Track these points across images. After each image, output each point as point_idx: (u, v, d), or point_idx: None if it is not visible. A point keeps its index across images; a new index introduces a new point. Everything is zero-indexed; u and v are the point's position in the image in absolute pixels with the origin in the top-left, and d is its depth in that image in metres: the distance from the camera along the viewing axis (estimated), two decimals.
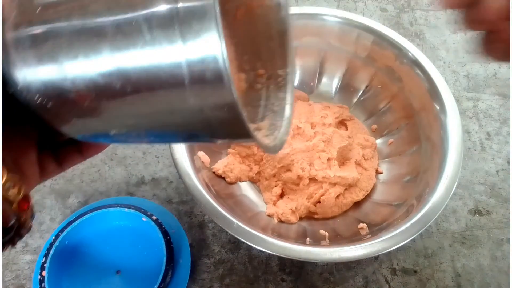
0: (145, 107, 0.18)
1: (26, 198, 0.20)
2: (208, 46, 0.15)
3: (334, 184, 0.44)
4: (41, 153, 0.24)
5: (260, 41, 0.26)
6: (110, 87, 0.17)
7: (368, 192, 0.46)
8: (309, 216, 0.45)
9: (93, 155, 0.26)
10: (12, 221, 0.20)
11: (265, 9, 0.25)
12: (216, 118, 0.17)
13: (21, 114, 0.21)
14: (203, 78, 0.16)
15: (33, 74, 0.18)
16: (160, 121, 0.19)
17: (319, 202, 0.44)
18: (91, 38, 0.17)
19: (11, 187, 0.19)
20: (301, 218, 0.44)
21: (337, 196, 0.44)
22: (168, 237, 0.40)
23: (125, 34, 0.16)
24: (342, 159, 0.46)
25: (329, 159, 0.44)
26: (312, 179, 0.44)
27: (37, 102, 0.19)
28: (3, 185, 0.19)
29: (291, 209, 0.43)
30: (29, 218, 0.21)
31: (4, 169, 0.19)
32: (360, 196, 0.45)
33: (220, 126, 0.18)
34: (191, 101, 0.17)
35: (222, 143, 0.21)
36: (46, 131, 0.24)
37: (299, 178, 0.43)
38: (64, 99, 0.18)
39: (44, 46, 0.18)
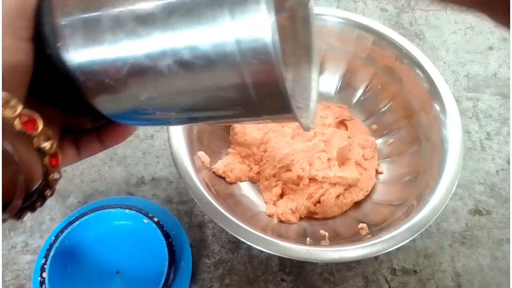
0: (190, 84, 0.18)
1: (56, 155, 0.20)
2: (258, 23, 0.16)
3: (334, 184, 0.44)
4: (62, 138, 0.24)
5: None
6: (159, 65, 0.18)
7: (368, 192, 0.46)
8: (309, 216, 0.45)
9: (113, 144, 0.26)
10: (39, 182, 0.20)
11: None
12: (260, 94, 0.18)
13: (52, 95, 0.21)
14: (252, 54, 0.16)
15: (83, 54, 0.19)
16: (202, 99, 0.19)
17: (319, 202, 0.44)
18: (142, 18, 0.17)
19: (46, 139, 0.19)
20: (301, 218, 0.44)
21: (337, 196, 0.44)
22: (170, 240, 0.40)
23: (173, 13, 0.17)
24: (342, 159, 0.46)
25: (329, 159, 0.44)
26: (312, 179, 0.44)
27: (86, 80, 0.19)
28: (39, 134, 0.18)
29: (291, 209, 0.43)
30: (56, 179, 0.21)
31: (40, 118, 0.18)
32: (360, 196, 0.45)
33: (262, 102, 0.18)
34: (236, 77, 0.17)
35: (250, 121, 0.21)
36: (70, 117, 0.24)
37: (299, 178, 0.43)
38: (113, 78, 0.19)
39: (95, 24, 0.18)
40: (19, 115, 0.17)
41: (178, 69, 0.18)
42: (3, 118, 0.17)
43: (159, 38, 0.17)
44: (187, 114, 0.21)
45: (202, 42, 0.17)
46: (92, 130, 0.25)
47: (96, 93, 0.20)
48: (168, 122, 0.22)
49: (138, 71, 0.18)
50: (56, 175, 0.21)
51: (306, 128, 0.22)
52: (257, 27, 0.16)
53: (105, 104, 0.21)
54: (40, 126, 0.18)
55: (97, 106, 0.21)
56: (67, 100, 0.21)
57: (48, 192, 0.21)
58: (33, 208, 0.21)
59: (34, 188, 0.20)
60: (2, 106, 0.17)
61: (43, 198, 0.21)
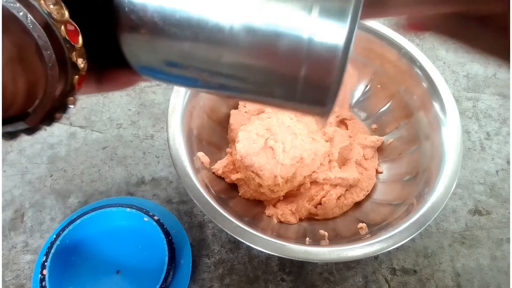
0: (244, 51, 0.18)
1: (84, 78, 0.19)
2: (340, 31, 0.16)
3: (335, 186, 0.44)
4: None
5: None
6: (223, 21, 0.17)
7: (369, 192, 0.46)
8: (309, 217, 0.45)
9: (109, 90, 0.25)
10: (57, 100, 0.19)
11: None
12: (309, 85, 0.18)
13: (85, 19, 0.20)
14: (320, 56, 0.17)
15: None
16: (246, 69, 0.19)
17: (320, 203, 0.44)
18: None
19: (82, 57, 0.18)
20: (301, 219, 0.44)
21: (338, 197, 0.44)
22: (170, 238, 0.40)
23: None
24: (343, 159, 0.46)
25: (330, 161, 0.44)
26: (313, 182, 0.44)
27: (130, 12, 0.18)
28: (79, 49, 0.18)
29: (290, 210, 0.43)
30: (73, 103, 0.20)
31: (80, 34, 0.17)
32: (360, 196, 0.45)
33: (305, 92, 0.18)
34: (295, 61, 0.17)
35: (277, 104, 0.21)
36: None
37: (301, 183, 0.43)
38: (164, 20, 0.18)
39: None
40: (65, 22, 0.17)
41: (241, 32, 0.17)
42: (52, 18, 0.16)
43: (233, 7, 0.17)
44: (220, 80, 0.20)
45: (279, 17, 0.17)
46: (92, 71, 0.24)
47: (133, 29, 0.19)
48: (191, 83, 0.21)
49: (196, 21, 0.18)
50: (72, 101, 0.20)
51: (324, 122, 0.22)
52: (336, 32, 0.16)
53: (134, 44, 0.19)
54: (81, 41, 0.18)
55: (123, 45, 0.20)
56: (96, 30, 0.20)
57: (59, 115, 0.20)
58: (40, 126, 0.20)
59: (51, 105, 0.19)
60: (53, 4, 0.16)
61: (51, 119, 0.20)
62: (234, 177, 0.44)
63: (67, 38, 0.17)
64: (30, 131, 0.20)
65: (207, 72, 0.20)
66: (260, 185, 0.42)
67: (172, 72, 0.21)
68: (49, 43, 0.17)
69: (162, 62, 0.20)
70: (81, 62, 0.18)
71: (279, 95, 0.20)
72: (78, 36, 0.18)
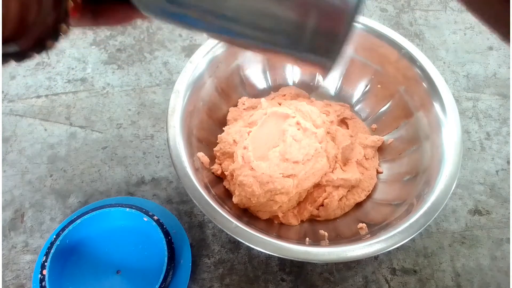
0: (251, 2, 0.18)
1: (79, 6, 0.19)
2: None
3: (337, 187, 0.44)
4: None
5: None
6: None
7: (370, 192, 0.46)
8: (311, 218, 0.45)
9: (105, 24, 0.24)
10: (51, 26, 0.18)
11: None
12: (318, 33, 0.17)
13: None
14: (332, 3, 0.16)
15: None
16: (254, 13, 0.18)
17: (321, 205, 0.44)
18: None
19: None
20: (302, 221, 0.44)
21: (340, 198, 0.44)
22: (170, 238, 0.40)
23: None
24: (344, 159, 0.46)
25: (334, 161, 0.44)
26: (316, 184, 0.44)
27: None
28: None
29: (292, 212, 0.43)
30: (65, 31, 0.20)
31: None
32: (362, 196, 0.45)
33: (313, 41, 0.18)
34: (301, 13, 0.17)
35: (281, 54, 0.20)
36: None
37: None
38: None
39: None
40: None
41: None
42: None
43: None
44: (225, 23, 0.19)
45: None
46: (88, 4, 0.23)
47: None
48: (193, 23, 0.20)
49: None
50: (65, 30, 0.20)
51: (325, 76, 0.22)
52: None
53: None
54: None
55: None
56: None
57: (50, 42, 0.20)
58: (30, 53, 0.20)
59: (43, 30, 0.19)
60: None
61: (42, 45, 0.20)
62: (231, 167, 0.43)
63: None
64: (20, 56, 0.19)
65: (212, 14, 0.19)
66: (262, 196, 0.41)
67: (174, 10, 0.20)
68: None
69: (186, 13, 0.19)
70: None
71: (284, 43, 0.19)
72: None
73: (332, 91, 0.53)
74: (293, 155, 0.40)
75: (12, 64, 0.20)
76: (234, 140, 0.44)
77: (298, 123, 0.42)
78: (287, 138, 0.41)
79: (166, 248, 0.39)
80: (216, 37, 0.22)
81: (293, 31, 0.18)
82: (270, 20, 0.18)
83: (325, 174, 0.43)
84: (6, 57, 0.19)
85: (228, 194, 0.44)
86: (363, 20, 0.48)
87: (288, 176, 0.40)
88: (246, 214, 0.43)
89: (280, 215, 0.42)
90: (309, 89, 0.53)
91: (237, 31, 0.20)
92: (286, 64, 0.52)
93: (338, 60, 0.19)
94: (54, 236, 0.39)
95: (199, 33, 0.24)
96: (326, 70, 0.20)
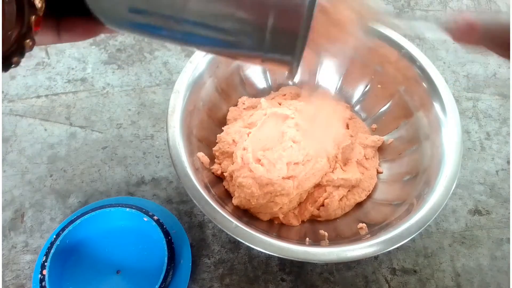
0: (211, 5, 0.18)
1: (40, 20, 0.19)
2: None
3: (338, 187, 0.44)
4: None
5: None
6: None
7: (370, 192, 0.46)
8: (311, 219, 0.45)
9: (69, 40, 0.24)
10: (15, 42, 0.18)
11: None
12: (277, 30, 0.18)
13: None
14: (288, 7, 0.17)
15: None
16: (213, 14, 0.18)
17: (322, 205, 0.44)
18: None
19: None
20: (303, 221, 0.44)
21: (340, 199, 0.44)
22: (170, 237, 0.40)
23: None
24: (345, 160, 0.46)
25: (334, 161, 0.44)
26: (317, 184, 0.44)
27: None
28: None
29: (293, 212, 0.43)
30: (30, 46, 0.19)
31: None
32: (362, 196, 0.45)
33: (274, 38, 0.18)
34: (260, 13, 0.17)
35: (246, 56, 0.20)
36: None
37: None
38: None
39: None
40: None
41: None
42: None
43: None
44: (187, 28, 0.19)
45: None
46: (50, 20, 0.23)
47: None
48: (156, 32, 0.20)
49: None
50: (30, 44, 0.19)
51: (292, 75, 0.22)
52: None
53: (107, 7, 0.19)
54: None
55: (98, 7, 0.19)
56: None
57: (16, 59, 0.20)
58: (10, 63, 0.19)
59: (8, 47, 0.19)
60: None
61: (8, 63, 0.19)
62: (231, 168, 0.43)
63: None
64: None
65: (173, 19, 0.19)
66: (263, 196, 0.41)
67: (136, 20, 0.20)
68: None
69: (126, 8, 0.19)
70: (38, 2, 0.18)
71: (247, 44, 0.19)
72: None
73: (332, 92, 0.53)
74: (293, 157, 0.40)
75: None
76: (233, 140, 0.44)
77: (297, 124, 0.42)
78: (287, 141, 0.40)
79: (166, 248, 0.39)
80: (182, 44, 0.22)
81: (254, 31, 0.18)
82: (230, 22, 0.18)
83: (325, 174, 0.43)
84: None
85: (228, 194, 0.44)
86: None
87: (288, 178, 0.40)
88: (246, 214, 0.43)
89: (281, 216, 0.42)
90: (309, 89, 0.53)
91: (199, 35, 0.20)
92: None
93: (300, 58, 0.19)
94: (54, 236, 0.39)
95: (164, 42, 0.25)
96: (291, 68, 0.20)
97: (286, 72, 0.21)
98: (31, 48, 0.20)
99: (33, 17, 0.18)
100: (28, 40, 0.19)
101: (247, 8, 0.18)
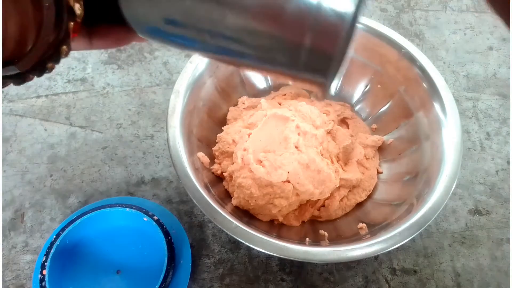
0: (249, 22, 0.18)
1: (79, 26, 0.19)
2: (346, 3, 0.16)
3: (339, 187, 0.44)
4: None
5: None
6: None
7: (370, 192, 0.46)
8: (312, 219, 0.45)
9: (102, 47, 0.24)
10: (52, 47, 0.18)
11: None
12: (314, 52, 0.18)
13: None
14: (327, 23, 0.17)
15: None
16: (251, 32, 0.18)
17: (323, 205, 0.44)
18: None
19: (78, 3, 0.18)
20: (303, 222, 0.44)
21: (341, 199, 0.44)
22: (170, 237, 0.40)
23: None
24: (345, 160, 0.46)
25: (333, 161, 0.44)
26: None
27: None
28: None
29: (294, 213, 0.43)
30: (66, 53, 0.20)
31: None
32: (363, 196, 0.45)
33: (309, 60, 0.18)
34: (297, 33, 0.17)
35: (279, 72, 0.20)
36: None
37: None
38: None
39: None
40: None
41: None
42: None
43: None
44: (221, 42, 0.19)
45: None
46: (83, 27, 0.23)
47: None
48: (190, 44, 0.20)
49: None
50: (66, 50, 0.19)
51: (323, 96, 0.22)
52: (345, 7, 0.16)
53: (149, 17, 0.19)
54: None
55: (125, 7, 0.19)
56: None
57: (51, 64, 0.20)
58: (30, 76, 0.19)
59: (44, 51, 0.19)
60: None
61: (43, 68, 0.19)
62: (230, 168, 0.43)
63: None
64: (20, 78, 0.19)
65: (209, 33, 0.19)
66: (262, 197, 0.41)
67: (171, 31, 0.20)
68: None
69: (162, 18, 0.19)
70: (78, 8, 0.18)
71: (281, 62, 0.19)
72: None
73: (332, 91, 0.53)
74: (296, 170, 0.40)
75: (11, 86, 0.19)
76: (233, 140, 0.44)
77: (297, 127, 0.42)
78: (290, 146, 0.40)
79: (166, 248, 0.39)
80: (214, 57, 0.22)
81: (290, 50, 0.18)
82: (266, 39, 0.18)
83: None
84: (5, 80, 0.19)
85: (228, 194, 0.44)
86: (363, 20, 0.48)
87: (288, 182, 0.40)
88: (246, 214, 0.43)
89: (280, 219, 0.42)
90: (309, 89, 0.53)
91: (234, 51, 0.20)
92: None
93: (333, 80, 0.19)
94: (54, 236, 0.39)
95: (195, 53, 0.24)
96: (323, 89, 0.20)
97: (317, 92, 0.21)
98: (66, 55, 0.20)
99: (72, 23, 0.18)
100: (64, 46, 0.19)
101: (285, 27, 0.17)
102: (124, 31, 0.22)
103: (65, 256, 0.39)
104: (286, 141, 0.41)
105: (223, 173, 0.44)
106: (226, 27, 0.18)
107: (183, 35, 0.20)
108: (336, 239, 0.41)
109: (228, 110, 0.49)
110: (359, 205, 0.45)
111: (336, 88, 0.53)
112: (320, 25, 0.17)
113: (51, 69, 0.20)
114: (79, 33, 0.21)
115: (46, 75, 0.56)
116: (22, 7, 0.17)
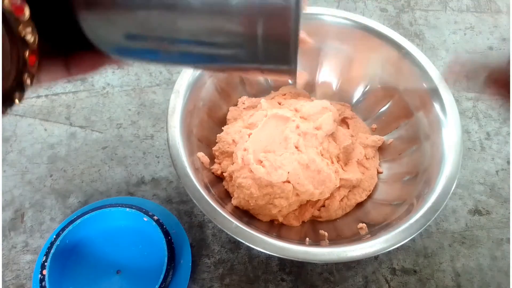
0: (198, 22, 0.18)
1: (36, 53, 0.19)
2: None
3: (339, 187, 0.43)
4: (50, 55, 0.23)
5: None
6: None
7: (370, 192, 0.46)
8: (312, 219, 0.45)
9: (79, 73, 0.25)
10: (13, 78, 0.18)
11: None
12: (268, 39, 0.18)
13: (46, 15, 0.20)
14: (274, 7, 0.17)
15: None
16: (204, 29, 0.19)
17: (323, 205, 0.44)
18: None
19: (30, 31, 0.18)
20: (303, 222, 0.44)
21: (341, 199, 0.44)
22: (169, 237, 0.40)
23: None
24: (345, 159, 0.46)
25: (332, 162, 0.44)
26: None
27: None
28: (25, 22, 0.17)
29: (294, 213, 0.43)
30: (29, 84, 0.20)
31: (27, 8, 0.18)
32: (363, 196, 0.45)
33: (267, 48, 0.18)
34: (253, 17, 0.17)
35: (244, 69, 0.22)
36: (61, 34, 0.23)
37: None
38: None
39: None
40: None
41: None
42: None
43: None
44: (181, 47, 0.20)
45: None
46: (59, 56, 0.24)
47: (88, 4, 0.19)
48: (155, 56, 0.21)
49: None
50: (29, 80, 0.20)
51: (293, 81, 0.22)
52: None
53: (92, 20, 0.20)
54: (27, 14, 0.18)
55: (82, 23, 0.20)
56: (55, 13, 0.20)
57: (16, 95, 0.20)
58: (10, 100, 0.20)
59: (8, 85, 0.19)
60: None
61: (11, 100, 0.20)
62: (231, 168, 0.43)
63: (12, 12, 0.17)
64: None
65: (168, 41, 0.19)
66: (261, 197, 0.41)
67: (134, 47, 0.21)
68: None
69: (122, 35, 0.20)
70: (30, 37, 0.18)
71: (242, 58, 0.19)
72: (23, 10, 0.18)
73: (332, 92, 0.53)
74: (296, 170, 0.40)
75: None
76: (233, 140, 0.44)
77: (297, 127, 0.42)
78: (290, 147, 0.40)
79: (166, 248, 0.39)
80: (183, 65, 0.23)
81: (246, 43, 0.18)
82: (221, 36, 0.19)
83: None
84: None
85: (228, 194, 0.44)
86: (363, 20, 0.48)
87: (289, 182, 0.40)
88: (246, 214, 0.43)
89: (280, 219, 0.42)
90: (309, 89, 0.53)
91: (195, 54, 0.20)
92: None
93: (296, 64, 0.19)
94: (54, 236, 0.39)
95: (167, 65, 0.26)
96: (291, 74, 0.21)
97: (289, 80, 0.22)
98: (31, 83, 0.20)
99: (27, 51, 0.19)
100: (26, 76, 0.19)
101: (234, 19, 0.18)
102: (97, 55, 0.23)
103: (65, 256, 0.39)
104: (286, 141, 0.41)
105: (223, 173, 0.44)
106: (180, 30, 0.19)
107: (147, 48, 0.20)
108: (336, 239, 0.41)
109: (228, 110, 0.49)
110: (359, 205, 0.45)
111: (336, 88, 0.53)
112: (268, 11, 0.17)
113: (20, 99, 0.20)
114: (52, 64, 0.22)
115: None
116: None
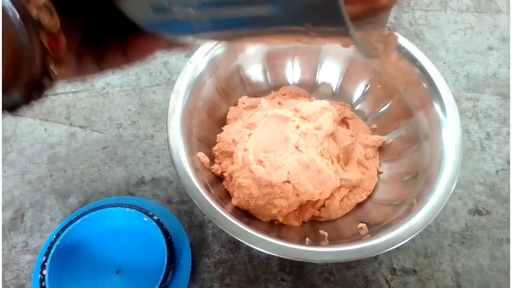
0: None
1: (57, 37, 0.18)
2: None
3: (339, 187, 0.43)
4: (83, 48, 0.23)
5: None
6: None
7: (370, 192, 0.46)
8: (312, 219, 0.45)
9: (137, 59, 0.25)
10: (37, 66, 0.18)
11: None
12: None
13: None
14: None
15: None
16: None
17: (323, 205, 0.44)
18: None
19: (48, 13, 0.17)
20: (303, 222, 0.44)
21: (341, 199, 0.44)
22: (169, 237, 0.40)
23: None
24: (345, 159, 0.46)
25: (333, 162, 0.44)
26: None
27: None
28: (42, 4, 0.17)
29: (294, 213, 0.43)
30: (57, 70, 0.19)
31: None
32: (363, 196, 0.45)
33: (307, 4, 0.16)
34: None
35: (288, 34, 0.19)
36: (92, 30, 0.23)
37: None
38: None
39: None
40: None
41: None
42: None
43: None
44: (211, 13, 0.19)
45: None
46: (116, 43, 0.25)
47: None
48: (188, 27, 0.20)
49: None
50: (56, 67, 0.19)
51: (349, 43, 0.18)
52: None
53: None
54: None
55: (122, 7, 0.20)
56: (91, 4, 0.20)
57: (47, 81, 0.19)
58: (28, 101, 0.19)
59: (33, 74, 0.19)
60: None
61: (40, 90, 0.19)
62: (230, 168, 0.43)
63: None
64: (25, 101, 0.19)
65: (192, 6, 0.18)
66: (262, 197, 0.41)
67: (163, 19, 0.20)
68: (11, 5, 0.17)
69: (150, 8, 0.20)
70: (46, 19, 0.18)
71: (281, 17, 0.17)
72: None
73: (332, 92, 0.53)
74: (296, 170, 0.40)
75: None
76: (233, 140, 0.44)
77: (298, 127, 0.42)
78: (290, 147, 0.40)
79: (166, 248, 0.39)
80: (218, 36, 0.22)
81: None
82: None
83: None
84: (15, 106, 0.19)
85: (228, 194, 0.44)
86: None
87: (289, 182, 0.40)
88: (246, 214, 0.43)
89: (280, 219, 0.42)
90: (309, 89, 0.53)
91: (226, 18, 0.19)
92: (286, 65, 0.52)
93: (346, 20, 0.16)
94: (54, 236, 0.39)
95: (201, 37, 0.25)
96: (348, 37, 0.17)
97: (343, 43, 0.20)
98: (58, 72, 0.20)
99: (44, 36, 0.18)
100: (51, 63, 0.19)
101: None
102: (152, 38, 0.24)
103: (65, 256, 0.39)
104: (286, 141, 0.41)
105: (223, 173, 0.44)
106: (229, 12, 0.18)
107: (175, 18, 0.20)
108: (336, 239, 0.41)
109: (228, 110, 0.49)
110: (359, 205, 0.45)
111: (336, 88, 0.53)
112: None
113: (48, 86, 0.20)
114: (85, 57, 0.23)
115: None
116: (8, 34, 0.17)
